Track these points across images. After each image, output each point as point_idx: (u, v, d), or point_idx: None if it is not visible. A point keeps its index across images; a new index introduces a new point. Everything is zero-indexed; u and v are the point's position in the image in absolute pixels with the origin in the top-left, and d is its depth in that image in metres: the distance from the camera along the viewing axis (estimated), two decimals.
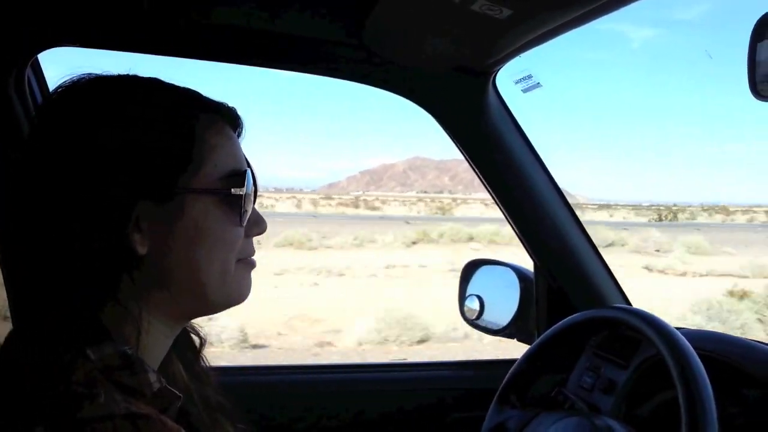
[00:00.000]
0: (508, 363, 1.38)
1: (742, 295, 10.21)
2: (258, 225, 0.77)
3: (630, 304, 1.52)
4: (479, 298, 1.68)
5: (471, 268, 1.74)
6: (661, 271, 15.59)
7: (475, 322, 1.69)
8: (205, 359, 0.84)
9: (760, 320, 8.99)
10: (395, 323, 8.41)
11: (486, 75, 1.38)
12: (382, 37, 1.26)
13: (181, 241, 0.68)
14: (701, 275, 15.21)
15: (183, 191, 0.68)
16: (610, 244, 20.50)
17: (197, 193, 0.69)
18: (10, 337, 0.66)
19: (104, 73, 0.71)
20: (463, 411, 1.62)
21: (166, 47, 1.27)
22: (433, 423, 1.62)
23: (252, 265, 0.77)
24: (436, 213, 56.98)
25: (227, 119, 0.75)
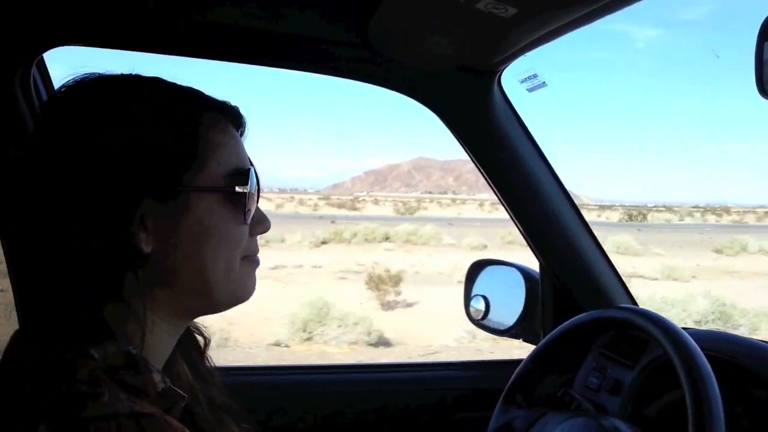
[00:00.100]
0: (514, 363, 1.37)
1: None
2: (262, 223, 0.77)
3: (636, 305, 1.51)
4: (485, 298, 1.67)
5: (476, 269, 1.74)
6: None
7: (480, 323, 1.69)
8: (209, 359, 0.84)
9: None
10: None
11: (491, 74, 1.37)
12: (387, 36, 1.26)
13: (187, 239, 0.68)
14: None
15: (187, 189, 0.68)
16: (511, 242, 20.16)
17: (202, 191, 0.69)
18: (15, 337, 0.66)
19: (107, 73, 0.71)
20: (469, 411, 1.62)
21: (169, 46, 1.27)
22: (438, 423, 1.61)
23: (256, 263, 0.77)
24: (404, 213, 57.42)
25: (230, 118, 0.75)
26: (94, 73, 0.70)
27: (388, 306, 12.20)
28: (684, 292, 11.56)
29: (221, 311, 0.75)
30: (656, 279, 15.92)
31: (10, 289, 1.24)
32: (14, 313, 1.22)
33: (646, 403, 1.20)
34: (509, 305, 1.64)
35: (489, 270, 1.73)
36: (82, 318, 0.63)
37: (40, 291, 0.68)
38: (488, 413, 1.31)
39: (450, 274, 14.59)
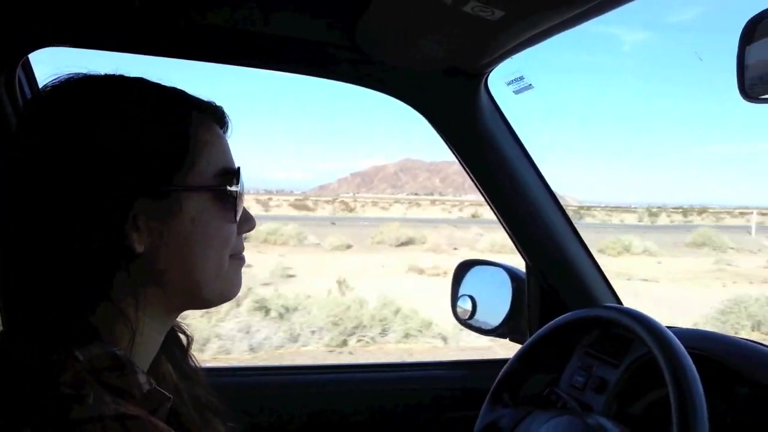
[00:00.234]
0: (500, 362, 1.38)
1: None
2: (248, 222, 0.78)
3: (621, 304, 1.53)
4: (471, 298, 1.68)
5: (463, 269, 1.75)
6: (422, 271, 14.68)
7: (467, 322, 1.69)
8: (193, 358, 0.84)
9: None
10: None
11: (478, 76, 1.38)
12: (374, 38, 1.26)
13: (178, 238, 0.68)
14: None
15: (179, 188, 0.68)
16: (406, 243, 19.27)
17: (193, 191, 0.69)
18: (0, 339, 0.66)
19: (93, 73, 0.71)
20: (456, 410, 1.63)
21: (157, 47, 1.26)
22: (426, 423, 1.62)
23: (242, 261, 0.78)
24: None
25: (215, 118, 0.76)
26: (79, 73, 0.70)
27: None
28: None
29: (208, 308, 0.75)
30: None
31: None
32: None
33: (631, 401, 1.21)
34: (496, 305, 1.65)
35: (476, 270, 1.73)
36: (70, 319, 0.63)
37: (26, 292, 0.67)
38: (475, 412, 1.31)
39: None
